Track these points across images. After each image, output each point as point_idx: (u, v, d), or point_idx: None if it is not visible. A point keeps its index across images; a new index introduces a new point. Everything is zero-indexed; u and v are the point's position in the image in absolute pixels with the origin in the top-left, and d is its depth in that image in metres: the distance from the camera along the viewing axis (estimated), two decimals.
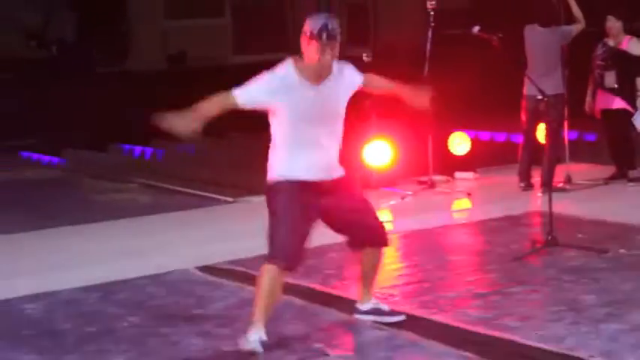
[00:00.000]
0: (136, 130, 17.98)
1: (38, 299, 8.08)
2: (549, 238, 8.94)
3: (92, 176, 15.16)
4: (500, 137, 14.48)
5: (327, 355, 6.47)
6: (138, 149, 17.49)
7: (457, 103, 12.65)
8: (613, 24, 11.80)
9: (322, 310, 7.48)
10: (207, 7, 24.31)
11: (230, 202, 12.10)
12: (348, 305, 7.40)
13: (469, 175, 12.69)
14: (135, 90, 20.31)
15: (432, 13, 12.07)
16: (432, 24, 12.02)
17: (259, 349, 6.21)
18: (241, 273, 8.57)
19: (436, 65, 11.77)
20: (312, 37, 6.28)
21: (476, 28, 9.81)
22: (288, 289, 7.81)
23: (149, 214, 11.60)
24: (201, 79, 21.39)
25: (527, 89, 11.17)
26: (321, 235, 7.98)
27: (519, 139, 12.11)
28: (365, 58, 12.55)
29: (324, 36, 6.25)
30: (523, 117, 11.64)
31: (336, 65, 6.48)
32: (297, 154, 6.49)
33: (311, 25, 6.32)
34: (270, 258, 6.38)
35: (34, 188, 14.54)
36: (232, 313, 7.50)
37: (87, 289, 8.33)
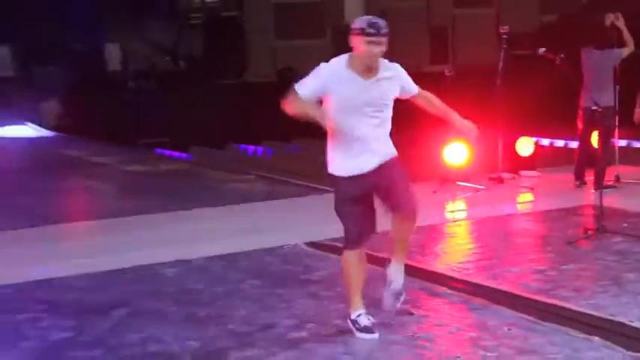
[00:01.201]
0: (250, 132, 18.39)
1: (175, 265, 8.39)
2: (599, 226, 8.97)
3: (214, 169, 15.30)
4: (560, 142, 14.38)
5: (412, 314, 6.62)
6: (251, 148, 17.59)
7: (524, 113, 12.68)
8: None
9: (408, 279, 7.53)
10: (310, 29, 24.36)
11: (330, 191, 12.08)
12: (429, 276, 7.63)
13: (532, 173, 12.68)
14: (249, 99, 20.33)
15: (504, 36, 12.26)
16: (505, 46, 12.16)
17: (371, 330, 6.18)
18: (340, 248, 8.83)
19: (507, 81, 11.89)
20: (360, 32, 5.92)
21: (542, 50, 9.92)
22: (380, 261, 8.16)
23: (264, 200, 11.83)
24: None
25: (584, 101, 11.16)
26: None
27: (576, 144, 12.05)
28: (447, 73, 12.76)
29: (371, 30, 5.89)
30: (579, 125, 11.58)
31: (385, 64, 6.12)
32: (346, 150, 6.12)
33: (358, 22, 5.99)
34: (345, 245, 6.43)
35: (168, 178, 14.78)
36: (333, 279, 7.63)
37: (214, 259, 8.58)
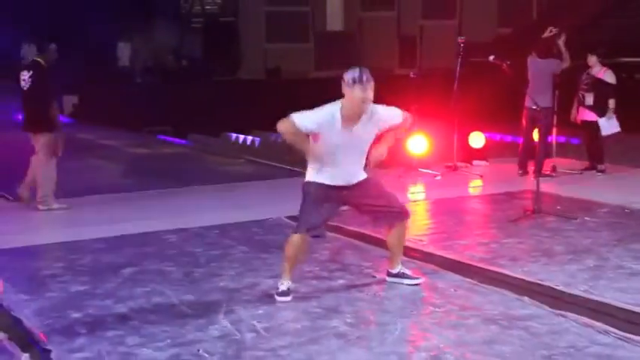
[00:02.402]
0: (242, 123, 18.43)
1: (175, 233, 8.49)
2: (536, 208, 9.12)
3: (210, 154, 15.25)
4: (507, 137, 14.54)
5: (375, 277, 6.83)
6: (242, 137, 17.78)
7: (477, 111, 12.79)
8: (590, 59, 11.81)
9: (372, 248, 7.79)
10: (297, 34, 24.37)
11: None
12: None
13: (483, 163, 12.73)
14: (242, 93, 20.24)
15: (461, 45, 12.43)
16: (462, 53, 12.36)
17: (288, 293, 6.26)
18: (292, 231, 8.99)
19: (463, 83, 12.05)
20: (354, 82, 6.02)
21: (491, 57, 10.07)
22: (349, 234, 8.42)
23: (252, 180, 11.88)
24: (290, 87, 21.60)
25: (527, 102, 11.25)
26: None
27: (520, 139, 12.13)
28: (412, 75, 12.98)
29: (364, 78, 6.02)
30: (523, 122, 11.70)
31: (370, 107, 6.17)
32: (324, 170, 6.29)
33: (350, 74, 6.08)
34: (295, 229, 6.44)
35: (169, 160, 14.75)
36: (310, 247, 7.47)
37: (209, 228, 8.65)
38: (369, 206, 6.48)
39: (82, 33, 10.44)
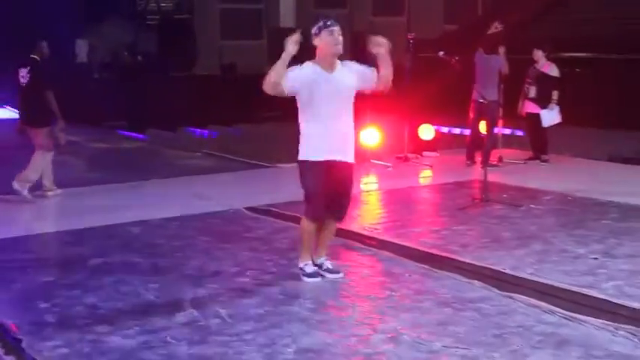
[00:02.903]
0: (198, 117, 18.39)
1: (138, 225, 8.47)
2: (484, 196, 9.31)
3: (168, 148, 15.09)
4: (455, 129, 14.71)
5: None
6: (198, 131, 17.61)
7: (426, 104, 12.92)
8: (536, 54, 12.08)
9: None
10: (250, 31, 24.38)
11: (267, 167, 12.29)
12: (347, 234, 7.80)
13: (432, 154, 12.82)
14: (197, 89, 20.08)
15: (411, 41, 12.58)
16: (411, 49, 12.51)
17: (316, 275, 6.38)
18: (275, 212, 8.94)
19: (413, 78, 12.18)
20: (320, 29, 6.06)
21: (441, 53, 10.22)
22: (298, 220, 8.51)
23: (211, 173, 11.87)
24: (244, 82, 21.58)
25: (475, 95, 11.45)
26: None
27: (468, 130, 12.28)
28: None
29: (329, 23, 6.05)
30: (471, 115, 11.84)
31: (342, 61, 6.19)
32: (319, 134, 6.15)
33: (316, 25, 6.13)
34: (306, 216, 6.34)
35: (128, 154, 14.64)
36: (269, 237, 7.93)
37: (170, 220, 8.68)
38: (337, 196, 6.35)
39: (42, 30, 10.42)
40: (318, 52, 6.16)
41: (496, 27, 11.83)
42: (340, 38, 6.11)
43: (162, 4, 25.09)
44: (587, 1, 21.38)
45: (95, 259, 7.23)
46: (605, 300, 5.96)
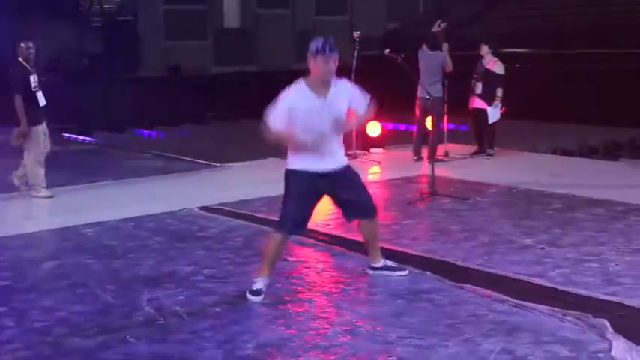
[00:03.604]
0: (145, 119, 18.32)
1: (93, 226, 8.41)
2: (431, 190, 9.45)
3: (116, 149, 14.99)
4: (402, 126, 14.80)
5: (287, 260, 6.91)
6: (146, 132, 17.49)
7: (373, 102, 12.97)
8: (483, 49, 12.26)
9: (268, 229, 8.06)
10: (195, 32, 24.30)
11: (217, 167, 12.28)
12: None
13: (380, 150, 12.95)
14: (144, 90, 20.04)
15: (357, 39, 12.65)
16: (357, 47, 12.58)
17: (261, 292, 6.00)
18: (227, 211, 8.96)
19: (359, 76, 12.29)
20: (317, 52, 5.75)
21: (386, 51, 10.27)
22: (260, 221, 8.54)
23: (163, 174, 11.81)
24: (190, 83, 21.56)
25: (420, 92, 11.54)
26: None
27: (414, 127, 12.36)
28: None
29: (328, 50, 5.74)
30: (417, 112, 11.96)
31: (335, 79, 5.92)
32: (306, 152, 5.92)
33: (314, 44, 5.80)
34: (277, 228, 6.10)
35: (77, 157, 14.34)
36: (222, 235, 7.97)
37: (125, 221, 8.63)
38: (345, 200, 6.17)
39: None
40: (311, 72, 5.89)
41: (439, 25, 11.98)
42: (334, 67, 5.82)
43: (106, 6, 24.89)
44: None
45: (50, 262, 7.19)
46: (552, 288, 6.12)
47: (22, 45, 9.92)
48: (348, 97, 6.01)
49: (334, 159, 6.08)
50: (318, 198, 6.15)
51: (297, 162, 5.99)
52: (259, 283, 6.07)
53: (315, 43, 5.81)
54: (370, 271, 6.49)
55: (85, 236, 8.16)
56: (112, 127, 17.70)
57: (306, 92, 5.87)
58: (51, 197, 10.04)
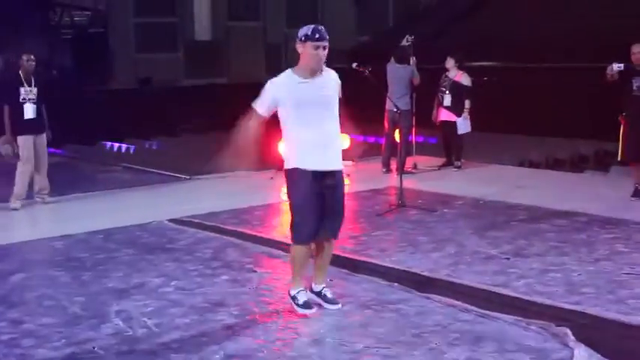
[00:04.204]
0: (116, 132, 18.23)
1: (62, 239, 8.43)
2: (400, 202, 9.52)
3: (87, 162, 14.92)
4: (371, 138, 14.88)
5: (255, 271, 7.02)
6: (116, 145, 17.42)
7: (342, 114, 13.01)
8: (449, 62, 12.35)
9: (252, 245, 8.00)
10: (166, 45, 24.24)
11: (187, 179, 12.29)
12: (268, 242, 8.00)
13: (349, 162, 12.57)
14: (115, 103, 20.01)
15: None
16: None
17: (310, 304, 5.88)
18: (197, 223, 8.98)
19: None
20: (306, 38, 5.54)
21: (354, 64, 10.33)
22: (229, 233, 8.59)
23: (133, 187, 11.78)
24: (161, 95, 21.47)
25: (388, 105, 11.55)
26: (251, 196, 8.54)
27: (382, 139, 12.44)
28: None
29: (317, 36, 5.53)
30: (385, 124, 12.04)
31: (325, 68, 5.71)
32: (304, 140, 5.62)
33: (303, 30, 5.59)
34: (294, 241, 5.84)
35: (49, 170, 14.39)
36: (191, 247, 7.97)
37: (94, 233, 8.62)
38: (330, 208, 5.77)
39: None
40: (300, 59, 5.68)
41: (407, 39, 12.08)
42: (323, 54, 5.60)
43: (77, 18, 24.79)
44: (497, 11, 21.93)
45: (18, 275, 7.17)
46: (516, 297, 6.19)
47: (24, 57, 10.18)
48: (335, 83, 5.78)
49: (336, 158, 5.78)
50: (321, 198, 5.72)
51: (300, 159, 5.67)
52: (302, 295, 5.90)
53: (305, 29, 5.60)
54: (308, 294, 6.04)
55: (53, 249, 8.14)
56: (82, 139, 17.57)
57: (294, 78, 5.65)
58: (16, 210, 10.07)
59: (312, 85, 5.64)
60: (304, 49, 5.60)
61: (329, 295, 6.08)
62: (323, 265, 6.07)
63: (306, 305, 5.88)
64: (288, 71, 5.71)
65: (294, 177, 5.72)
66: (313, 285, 6.10)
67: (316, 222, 5.72)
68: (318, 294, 6.07)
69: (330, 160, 5.74)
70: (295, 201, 5.76)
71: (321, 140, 5.66)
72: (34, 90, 10.19)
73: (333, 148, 5.76)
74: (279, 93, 5.65)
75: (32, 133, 10.22)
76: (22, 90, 10.09)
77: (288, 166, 5.76)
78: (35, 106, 10.17)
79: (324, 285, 6.11)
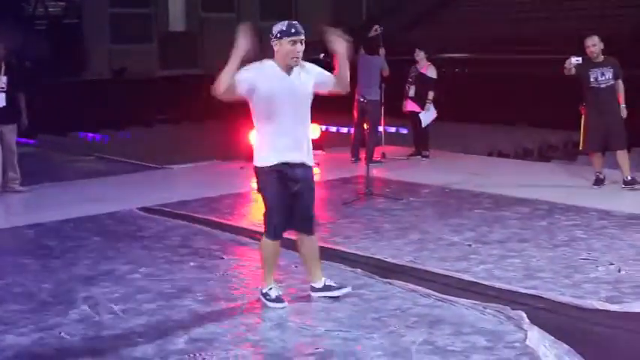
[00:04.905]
0: (89, 122, 18.22)
1: (32, 228, 8.48)
2: (367, 191, 9.64)
3: (60, 152, 14.95)
4: (341, 128, 14.94)
5: (223, 258, 7.14)
6: (90, 135, 17.39)
7: (312, 105, 13.11)
8: (418, 54, 12.46)
9: (220, 233, 8.10)
10: (140, 36, 24.16)
11: (157, 168, 12.37)
12: (237, 230, 8.12)
13: (319, 152, 12.44)
14: (88, 93, 19.97)
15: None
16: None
17: (281, 298, 5.85)
18: (167, 211, 9.05)
19: None
20: (282, 34, 5.45)
21: (322, 55, 10.43)
22: (198, 221, 8.66)
23: (104, 176, 11.83)
24: (135, 86, 21.45)
25: (357, 95, 11.55)
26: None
27: (352, 129, 12.58)
28: None
29: (293, 31, 5.44)
30: (355, 114, 12.13)
31: (302, 63, 5.60)
32: (275, 136, 5.55)
33: (278, 27, 5.50)
34: (266, 234, 5.80)
35: (21, 160, 14.09)
36: (161, 235, 8.07)
37: (64, 222, 8.68)
38: (300, 205, 5.76)
39: None
40: (275, 54, 5.57)
41: (376, 30, 12.19)
42: (301, 49, 5.51)
43: (51, 9, 24.60)
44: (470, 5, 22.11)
45: None
46: (476, 282, 6.32)
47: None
48: (313, 76, 5.68)
49: (303, 152, 5.70)
50: (294, 188, 5.70)
51: (266, 156, 5.62)
52: (274, 290, 5.89)
53: (279, 26, 5.51)
54: (312, 294, 6.02)
55: (24, 237, 8.20)
56: (55, 129, 17.52)
57: (272, 68, 5.55)
58: None
59: (289, 81, 5.56)
60: (280, 46, 5.50)
61: (333, 283, 6.05)
62: (311, 259, 6.03)
63: (278, 300, 5.86)
64: (268, 61, 5.59)
65: (263, 176, 5.69)
66: (314, 284, 6.06)
67: (284, 221, 5.74)
68: (323, 289, 6.00)
69: (300, 155, 5.70)
70: (264, 198, 5.76)
71: (288, 135, 5.61)
72: (4, 79, 10.01)
73: (300, 141, 5.69)
74: (259, 75, 5.52)
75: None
76: None
77: (258, 163, 5.70)
78: (5, 94, 10.01)
79: (323, 279, 6.07)
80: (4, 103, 10.05)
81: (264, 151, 5.65)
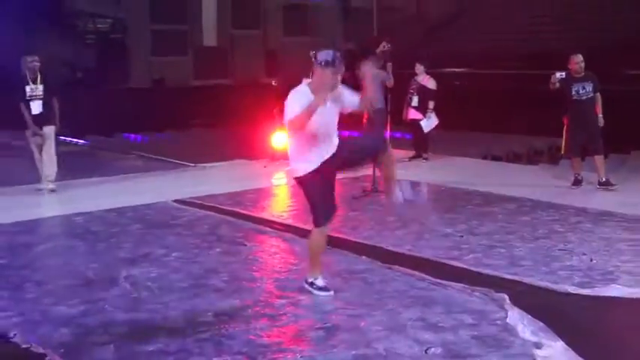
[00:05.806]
0: (132, 125, 18.38)
1: (81, 215, 8.59)
2: (373, 188, 9.69)
3: (106, 151, 15.03)
4: (355, 134, 14.97)
5: (245, 245, 7.18)
6: (132, 136, 17.60)
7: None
8: (418, 68, 12.50)
9: (243, 222, 8.16)
10: (177, 49, 24.30)
11: (190, 166, 12.40)
12: (258, 220, 8.19)
13: None
14: (132, 100, 20.18)
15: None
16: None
17: (328, 287, 5.78)
18: (197, 203, 9.12)
19: None
20: (327, 64, 5.31)
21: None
22: (224, 212, 8.74)
23: (143, 172, 11.94)
24: (172, 94, 21.67)
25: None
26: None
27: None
28: (274, 83, 13.36)
29: (336, 63, 5.33)
30: (364, 121, 11.76)
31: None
32: (311, 150, 5.45)
33: (324, 56, 5.36)
34: (316, 224, 5.68)
35: (71, 157, 13.81)
36: (192, 223, 8.16)
37: (109, 211, 8.79)
38: (349, 153, 5.61)
39: None
40: (315, 77, 5.44)
41: (384, 46, 12.22)
42: (337, 80, 5.40)
43: (99, 25, 24.82)
44: (466, 25, 22.12)
45: (42, 245, 7.36)
46: (466, 269, 6.41)
47: (28, 59, 10.05)
48: (340, 99, 5.54)
49: (333, 145, 5.57)
50: (333, 178, 5.68)
51: (304, 166, 5.53)
52: (320, 280, 5.79)
53: (325, 56, 5.37)
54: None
55: (74, 223, 8.30)
56: (103, 131, 17.70)
57: (309, 96, 5.37)
58: (54, 191, 10.11)
59: (324, 108, 5.38)
60: (324, 74, 5.35)
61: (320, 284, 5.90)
62: (389, 175, 6.08)
63: (325, 289, 5.76)
64: (307, 88, 5.44)
65: (307, 182, 5.59)
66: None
67: (330, 206, 5.68)
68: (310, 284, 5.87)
69: (329, 151, 5.54)
70: (311, 199, 5.66)
71: (326, 142, 5.51)
72: (40, 87, 10.04)
73: (332, 143, 5.56)
74: (304, 101, 5.34)
75: (38, 125, 10.12)
76: (27, 88, 9.97)
77: (296, 174, 5.62)
78: (42, 101, 10.06)
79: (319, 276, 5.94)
80: (41, 109, 10.10)
81: (304, 164, 5.54)
